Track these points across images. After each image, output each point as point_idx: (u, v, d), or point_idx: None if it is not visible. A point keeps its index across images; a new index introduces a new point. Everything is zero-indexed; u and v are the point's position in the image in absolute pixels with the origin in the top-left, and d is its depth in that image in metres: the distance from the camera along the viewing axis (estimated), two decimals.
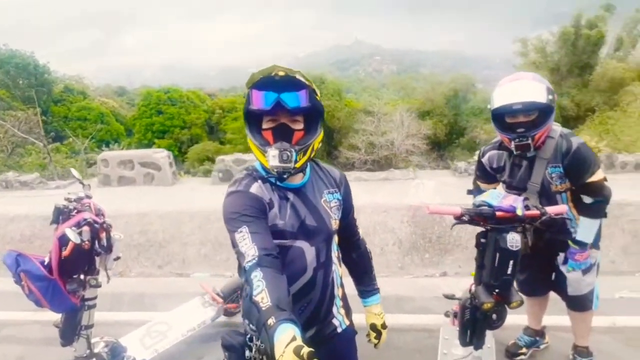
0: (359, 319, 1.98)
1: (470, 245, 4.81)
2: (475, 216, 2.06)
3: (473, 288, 2.24)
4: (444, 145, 31.27)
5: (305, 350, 1.06)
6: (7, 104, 29.18)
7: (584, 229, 2.58)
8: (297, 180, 1.69)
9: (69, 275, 2.48)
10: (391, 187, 6.36)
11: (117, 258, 2.77)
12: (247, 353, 1.62)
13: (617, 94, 28.19)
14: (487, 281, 2.13)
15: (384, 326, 1.97)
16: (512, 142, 2.44)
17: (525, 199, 2.28)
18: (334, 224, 1.74)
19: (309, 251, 1.67)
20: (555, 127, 2.60)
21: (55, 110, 34.68)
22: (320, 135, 1.61)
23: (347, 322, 1.87)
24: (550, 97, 2.41)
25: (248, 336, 1.66)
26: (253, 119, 1.59)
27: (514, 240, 2.05)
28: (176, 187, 7.13)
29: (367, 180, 6.63)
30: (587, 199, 2.56)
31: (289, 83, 1.49)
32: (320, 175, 1.79)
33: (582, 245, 2.57)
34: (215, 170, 6.95)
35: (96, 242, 2.54)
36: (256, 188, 1.60)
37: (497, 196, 2.18)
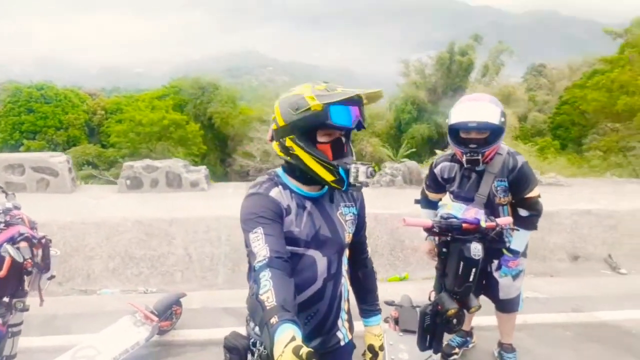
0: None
1: (399, 254, 5.22)
2: (445, 228, 2.21)
3: (432, 295, 2.38)
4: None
5: (304, 350, 1.06)
6: None
7: (518, 239, 2.83)
8: (316, 190, 1.71)
9: None
10: None
11: (52, 277, 2.47)
12: (250, 357, 1.62)
13: None
14: (451, 288, 2.24)
15: (381, 348, 1.94)
16: (464, 156, 2.65)
17: (485, 212, 2.52)
18: (347, 237, 1.76)
19: (321, 261, 1.68)
20: (503, 146, 2.81)
21: None
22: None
23: (350, 337, 1.87)
24: (503, 119, 2.62)
25: (252, 340, 1.65)
26: (303, 131, 1.58)
27: (477, 249, 2.20)
28: (76, 194, 6.48)
29: None
30: (523, 212, 2.82)
31: (360, 102, 1.56)
32: None
33: (515, 253, 2.84)
34: (122, 177, 6.32)
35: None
36: (276, 192, 1.63)
37: (460, 209, 2.41)
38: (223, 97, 30.47)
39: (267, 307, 1.24)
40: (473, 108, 2.61)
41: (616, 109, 11.46)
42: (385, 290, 4.33)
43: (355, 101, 1.53)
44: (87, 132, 32.62)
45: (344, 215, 1.75)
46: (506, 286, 2.97)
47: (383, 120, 34.73)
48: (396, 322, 3.07)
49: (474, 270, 2.20)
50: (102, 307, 4.22)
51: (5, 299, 2.21)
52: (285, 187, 1.66)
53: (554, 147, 29.68)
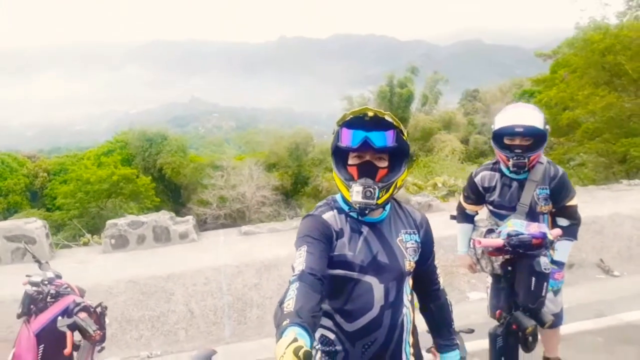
0: None
1: None
2: (516, 245, 2.21)
3: (499, 316, 2.32)
4: (290, 194, 32.54)
5: (303, 350, 1.09)
6: None
7: (561, 250, 2.84)
8: (375, 215, 1.71)
9: None
10: None
11: (102, 349, 2.29)
12: None
13: (429, 142, 33.36)
14: (524, 305, 2.22)
15: None
16: (510, 160, 2.63)
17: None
18: (408, 265, 1.71)
19: (378, 288, 1.66)
20: (542, 155, 2.83)
21: None
22: (404, 173, 1.66)
23: None
24: (547, 126, 2.66)
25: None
26: (340, 154, 1.65)
27: (546, 263, 2.23)
28: (57, 261, 5.86)
29: (281, 231, 6.20)
30: (564, 222, 2.84)
31: (378, 123, 1.57)
32: (400, 214, 1.79)
33: (560, 265, 2.86)
34: (106, 237, 5.83)
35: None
36: (329, 216, 1.66)
37: (522, 225, 2.35)
38: (172, 147, 30.03)
39: (284, 312, 1.31)
40: (519, 114, 2.64)
41: (560, 124, 12.31)
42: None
43: (366, 124, 1.55)
44: (29, 196, 30.75)
45: (405, 242, 1.72)
46: (550, 301, 2.89)
47: None
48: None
49: (545, 284, 2.23)
50: None
51: None
52: (341, 211, 1.69)
53: None
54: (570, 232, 2.86)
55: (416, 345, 1.85)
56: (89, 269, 5.19)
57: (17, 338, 1.93)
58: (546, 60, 17.99)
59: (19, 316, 1.97)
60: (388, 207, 1.76)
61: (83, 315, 1.91)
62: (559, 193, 2.79)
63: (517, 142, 2.65)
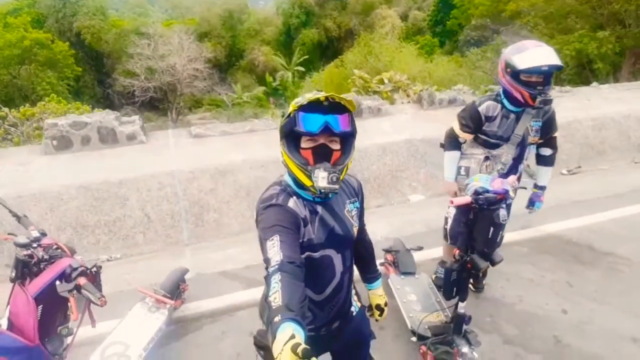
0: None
1: None
2: (483, 203, 2.44)
3: (457, 254, 2.56)
4: (224, 67, 31.07)
5: (301, 347, 1.10)
6: None
7: (544, 175, 3.20)
8: None
9: (47, 333, 2.00)
10: (258, 139, 6.03)
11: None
12: None
13: (369, 16, 32.27)
14: (481, 249, 2.48)
15: (386, 304, 2.13)
16: (537, 98, 2.77)
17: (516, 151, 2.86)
18: (355, 230, 1.83)
19: (337, 258, 1.77)
20: None
21: None
22: (352, 153, 1.68)
23: (359, 305, 2.03)
24: (560, 62, 2.77)
25: None
26: (291, 137, 1.63)
27: (504, 215, 2.46)
28: None
29: (233, 134, 6.13)
30: (547, 151, 3.13)
31: (334, 107, 1.56)
32: (342, 185, 1.85)
33: (542, 189, 3.20)
34: (46, 137, 5.28)
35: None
36: (293, 203, 1.67)
37: (487, 180, 2.54)
38: (90, 8, 26.73)
39: (273, 307, 1.29)
40: (544, 53, 2.75)
41: (504, 14, 12.36)
42: None
43: (323, 108, 1.56)
44: None
45: (350, 212, 1.82)
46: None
47: (272, 26, 33.42)
48: (395, 265, 3.40)
49: (500, 232, 2.52)
50: None
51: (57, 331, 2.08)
52: (299, 196, 1.70)
53: (434, 44, 31.38)
54: (551, 160, 3.20)
55: (354, 286, 2.04)
56: (32, 173, 4.86)
57: (12, 297, 1.94)
58: None
59: (12, 280, 1.95)
60: None
61: (83, 281, 1.87)
62: (549, 126, 3.04)
63: (534, 78, 2.78)
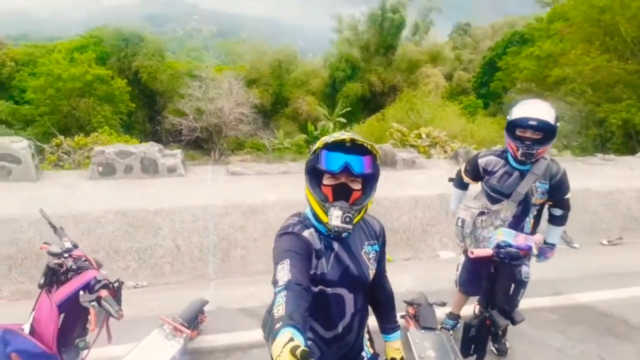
0: None
1: None
2: (504, 257, 2.43)
3: (477, 310, 2.56)
4: (269, 114, 32.12)
5: (300, 349, 1.10)
6: None
7: (555, 233, 3.17)
8: None
9: (65, 343, 2.06)
10: (291, 181, 6.10)
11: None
12: None
13: (414, 74, 32.92)
14: (501, 306, 2.44)
15: (402, 359, 2.06)
16: (520, 150, 2.77)
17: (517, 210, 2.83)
18: (371, 274, 1.81)
19: (348, 298, 1.76)
20: (548, 152, 2.98)
21: None
22: (373, 195, 1.70)
23: (372, 351, 1.99)
24: (557, 124, 2.77)
25: None
26: (314, 173, 1.68)
27: (527, 273, 2.47)
28: (43, 183, 5.77)
29: (268, 174, 6.32)
30: (558, 212, 3.11)
31: (358, 149, 1.60)
32: (362, 226, 1.86)
33: (552, 246, 3.17)
34: (93, 164, 5.74)
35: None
36: (308, 234, 1.70)
37: (510, 234, 2.56)
38: (149, 49, 28.56)
39: (275, 317, 1.31)
40: (535, 108, 2.78)
41: (549, 80, 12.36)
42: None
43: (346, 148, 1.60)
44: None
45: (368, 254, 1.82)
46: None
47: (318, 77, 34.60)
48: (416, 319, 3.31)
49: (522, 290, 2.49)
50: None
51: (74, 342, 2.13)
52: (316, 229, 1.72)
53: (478, 105, 31.42)
54: (562, 220, 3.16)
55: (369, 331, 2.02)
56: (76, 195, 5.15)
57: (37, 303, 2.03)
58: (544, 8, 17.58)
59: (40, 286, 2.05)
60: None
61: (104, 293, 1.94)
62: (558, 190, 2.99)
63: (528, 134, 2.78)
